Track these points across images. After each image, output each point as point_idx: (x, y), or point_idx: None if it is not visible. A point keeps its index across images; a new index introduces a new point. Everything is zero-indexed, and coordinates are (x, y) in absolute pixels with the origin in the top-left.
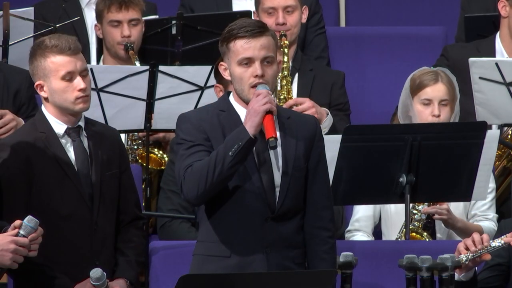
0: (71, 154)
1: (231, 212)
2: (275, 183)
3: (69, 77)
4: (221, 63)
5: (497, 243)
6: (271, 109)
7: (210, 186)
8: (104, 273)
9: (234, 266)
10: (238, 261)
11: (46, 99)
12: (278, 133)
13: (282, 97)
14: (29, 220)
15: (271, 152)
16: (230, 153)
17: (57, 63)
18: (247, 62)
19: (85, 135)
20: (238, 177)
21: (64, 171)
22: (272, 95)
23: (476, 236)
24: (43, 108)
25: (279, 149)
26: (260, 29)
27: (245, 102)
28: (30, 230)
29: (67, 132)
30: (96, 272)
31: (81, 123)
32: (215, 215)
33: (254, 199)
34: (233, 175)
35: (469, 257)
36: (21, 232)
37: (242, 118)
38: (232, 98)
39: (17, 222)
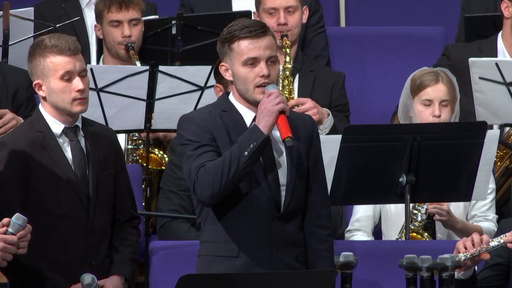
0: (68, 154)
1: (238, 212)
2: (280, 182)
3: (68, 77)
4: (222, 63)
5: (495, 242)
6: (284, 109)
7: (225, 186)
8: (95, 277)
9: (241, 266)
10: (245, 261)
11: (44, 98)
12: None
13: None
14: (17, 218)
15: (276, 152)
16: (245, 153)
17: (56, 63)
18: (252, 62)
19: (82, 135)
20: None
21: (62, 171)
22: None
23: (475, 236)
24: (40, 107)
25: (282, 148)
26: (263, 29)
27: (250, 102)
28: (18, 228)
29: (64, 131)
30: (86, 279)
31: (78, 123)
32: (221, 215)
33: (260, 199)
34: (247, 175)
35: (468, 256)
36: (10, 230)
37: (245, 118)
38: (232, 98)
39: (5, 220)
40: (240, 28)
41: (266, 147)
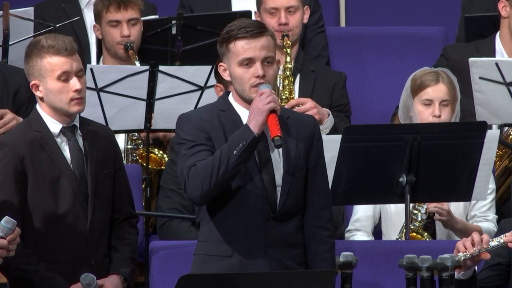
0: (67, 153)
1: (233, 212)
2: (276, 183)
3: (65, 77)
4: (221, 63)
5: (495, 242)
6: (275, 108)
7: (215, 185)
8: (94, 277)
9: (235, 266)
10: (239, 261)
11: (41, 98)
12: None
13: (284, 97)
14: (7, 221)
15: (272, 152)
16: (234, 152)
17: (53, 64)
18: (248, 62)
19: (80, 134)
20: (239, 177)
21: (60, 170)
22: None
23: (475, 236)
24: (38, 107)
25: (280, 148)
26: (259, 29)
27: (247, 102)
28: (7, 231)
29: (62, 131)
30: (86, 278)
31: (76, 123)
32: (216, 215)
33: (255, 199)
34: (237, 174)
35: (468, 255)
36: None
37: (243, 118)
38: (231, 98)
39: None
40: (237, 28)
41: (256, 146)
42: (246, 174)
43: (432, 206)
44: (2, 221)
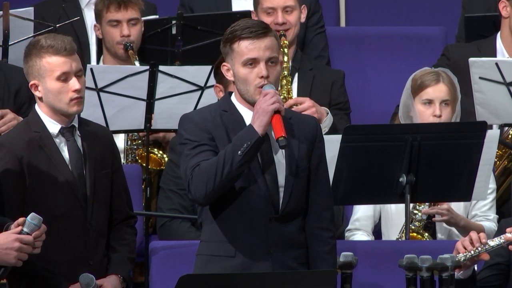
0: (65, 154)
1: (236, 212)
2: (279, 184)
3: (64, 77)
4: (224, 63)
5: (496, 242)
6: (279, 109)
7: (219, 186)
8: (93, 277)
9: (238, 266)
10: (242, 261)
11: (40, 98)
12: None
13: (282, 96)
14: (33, 218)
15: (275, 153)
16: (239, 152)
17: (52, 64)
18: (252, 63)
19: (79, 134)
20: (242, 177)
21: (59, 171)
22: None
23: (473, 235)
24: (36, 107)
25: (284, 149)
26: (264, 30)
27: (250, 102)
28: (33, 227)
29: (61, 131)
30: (85, 278)
31: (75, 123)
32: (219, 215)
33: (258, 199)
34: (241, 174)
35: (467, 256)
36: (25, 229)
37: (245, 118)
38: (234, 98)
39: (21, 220)
40: (241, 28)
41: (261, 147)
42: (249, 175)
43: (430, 209)
44: (28, 217)
